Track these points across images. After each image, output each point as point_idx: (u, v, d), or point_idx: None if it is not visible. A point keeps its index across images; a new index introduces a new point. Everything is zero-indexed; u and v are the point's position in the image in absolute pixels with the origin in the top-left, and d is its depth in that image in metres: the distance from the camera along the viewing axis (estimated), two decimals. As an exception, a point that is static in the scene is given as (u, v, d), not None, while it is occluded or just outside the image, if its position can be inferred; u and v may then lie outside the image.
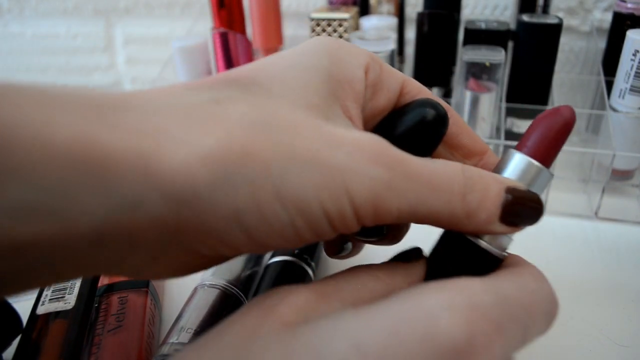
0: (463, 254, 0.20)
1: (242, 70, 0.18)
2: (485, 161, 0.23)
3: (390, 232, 0.23)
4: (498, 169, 0.21)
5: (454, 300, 0.15)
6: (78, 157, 0.13)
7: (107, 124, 0.14)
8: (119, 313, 0.28)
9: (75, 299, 0.29)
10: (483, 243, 0.19)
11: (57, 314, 0.28)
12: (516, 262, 0.19)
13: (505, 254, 0.20)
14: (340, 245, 0.24)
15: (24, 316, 0.29)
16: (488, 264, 0.20)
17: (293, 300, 0.16)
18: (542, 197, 0.20)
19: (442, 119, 0.21)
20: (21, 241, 0.12)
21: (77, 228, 0.13)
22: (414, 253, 0.20)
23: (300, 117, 0.16)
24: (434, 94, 0.22)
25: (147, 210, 0.14)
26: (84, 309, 0.29)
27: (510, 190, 0.18)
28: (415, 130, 0.20)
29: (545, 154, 0.20)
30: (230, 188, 0.14)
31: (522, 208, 0.18)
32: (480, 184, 0.18)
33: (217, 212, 0.14)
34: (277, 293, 0.17)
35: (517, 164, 0.20)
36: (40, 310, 0.29)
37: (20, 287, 0.14)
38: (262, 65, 0.18)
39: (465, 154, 0.23)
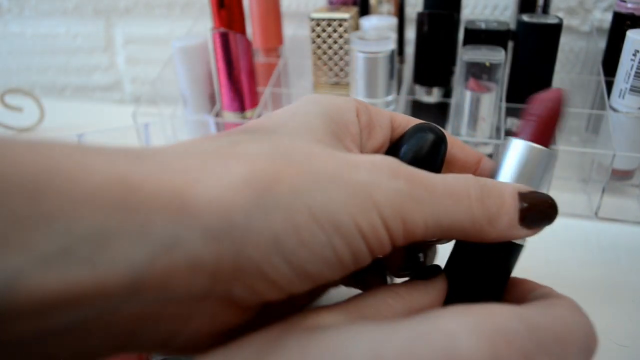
0: (482, 248, 0.20)
1: (251, 122, 0.20)
2: (483, 167, 0.23)
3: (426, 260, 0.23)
4: (500, 158, 0.21)
5: (477, 323, 0.15)
6: (114, 199, 0.13)
7: (138, 166, 0.14)
8: None
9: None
10: None
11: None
12: (550, 293, 0.19)
13: (524, 241, 0.21)
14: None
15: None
16: (509, 254, 0.20)
17: (315, 315, 0.16)
18: (548, 181, 0.20)
19: (440, 139, 0.21)
20: (53, 293, 0.12)
21: (113, 275, 0.13)
22: (433, 270, 0.21)
23: (313, 147, 0.17)
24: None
25: (185, 250, 0.14)
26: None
27: (523, 194, 0.19)
28: (419, 155, 0.21)
29: (543, 135, 0.21)
30: (266, 214, 0.15)
31: (539, 208, 0.19)
32: (495, 190, 0.18)
33: (256, 240, 0.14)
34: (301, 312, 0.17)
35: (518, 150, 0.20)
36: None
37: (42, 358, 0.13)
38: (267, 117, 0.20)
39: (461, 167, 0.23)
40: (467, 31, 0.44)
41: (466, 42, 0.44)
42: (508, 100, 0.45)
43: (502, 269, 0.20)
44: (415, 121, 0.23)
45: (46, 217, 0.12)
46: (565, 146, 0.42)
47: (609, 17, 0.53)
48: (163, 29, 0.71)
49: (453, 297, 0.20)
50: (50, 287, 0.12)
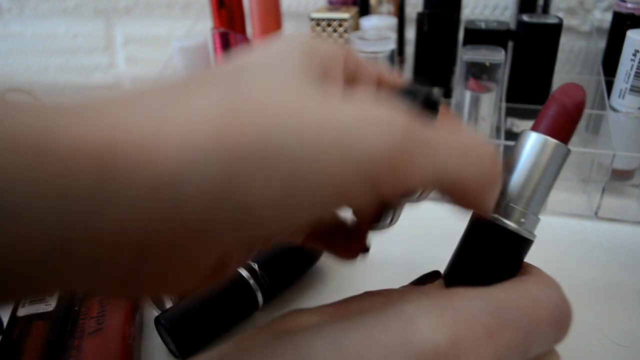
0: (492, 241, 0.20)
1: (222, 63, 0.16)
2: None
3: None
4: (515, 150, 0.21)
5: (437, 304, 0.15)
6: (35, 152, 0.11)
7: (68, 118, 0.12)
8: (99, 316, 0.28)
9: (56, 301, 0.29)
10: (512, 225, 0.19)
11: (38, 316, 0.28)
12: (527, 270, 0.19)
13: (534, 235, 0.20)
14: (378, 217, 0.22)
15: (5, 318, 0.29)
16: (519, 247, 0.20)
17: (292, 317, 0.16)
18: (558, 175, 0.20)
19: (433, 103, 0.19)
20: None
21: (28, 243, 0.11)
22: (432, 275, 0.21)
23: (282, 91, 0.14)
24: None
25: (115, 217, 0.12)
26: (65, 311, 0.29)
27: None
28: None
29: (561, 130, 0.20)
30: (211, 178, 0.12)
31: None
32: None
33: (199, 206, 0.12)
34: (285, 315, 0.17)
35: (533, 143, 0.20)
36: (21, 312, 0.29)
37: None
38: (243, 53, 0.17)
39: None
40: (467, 31, 0.44)
41: (466, 42, 0.44)
42: (508, 100, 0.45)
43: (509, 264, 0.20)
44: (403, 82, 0.20)
45: None
46: (565, 146, 0.42)
47: (609, 17, 0.53)
48: (163, 29, 0.71)
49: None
50: None
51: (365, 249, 0.23)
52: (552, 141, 0.20)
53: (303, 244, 0.22)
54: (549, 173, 0.20)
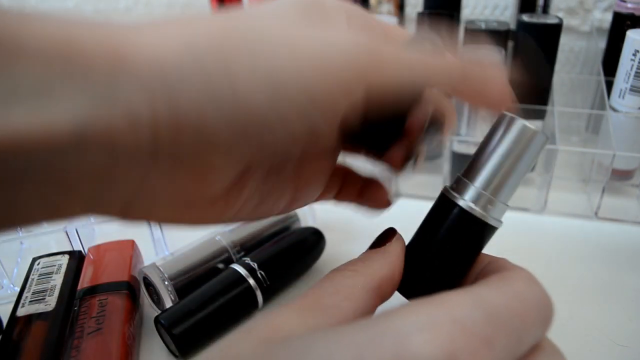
0: (456, 225, 0.20)
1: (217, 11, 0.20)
2: None
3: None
4: (493, 131, 0.20)
5: (431, 318, 0.14)
6: (55, 52, 0.13)
7: (83, 26, 0.14)
8: (98, 316, 0.28)
9: (55, 300, 0.29)
10: (477, 211, 0.19)
11: (37, 316, 0.28)
12: (503, 266, 0.19)
13: (501, 222, 0.20)
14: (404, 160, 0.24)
15: (4, 318, 0.29)
16: (483, 233, 0.20)
17: (273, 319, 0.16)
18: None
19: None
20: (1, 138, 0.12)
21: (57, 123, 0.13)
22: (388, 233, 0.21)
23: (275, 22, 0.17)
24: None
25: (122, 101, 0.14)
26: (65, 311, 0.29)
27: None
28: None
29: None
30: (202, 70, 0.15)
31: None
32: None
33: (192, 96, 0.15)
34: (261, 315, 0.17)
35: (513, 130, 0.19)
36: (21, 312, 0.29)
37: (7, 212, 0.14)
38: (238, 8, 0.20)
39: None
40: (467, 31, 0.44)
41: (466, 42, 0.44)
42: (508, 100, 0.45)
43: (472, 249, 0.20)
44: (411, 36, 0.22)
45: None
46: (565, 146, 0.42)
47: (609, 17, 0.53)
48: (163, 29, 0.71)
49: (417, 275, 0.20)
50: None
51: (389, 202, 0.25)
52: (531, 128, 0.19)
53: (335, 199, 0.25)
54: (525, 160, 0.19)
